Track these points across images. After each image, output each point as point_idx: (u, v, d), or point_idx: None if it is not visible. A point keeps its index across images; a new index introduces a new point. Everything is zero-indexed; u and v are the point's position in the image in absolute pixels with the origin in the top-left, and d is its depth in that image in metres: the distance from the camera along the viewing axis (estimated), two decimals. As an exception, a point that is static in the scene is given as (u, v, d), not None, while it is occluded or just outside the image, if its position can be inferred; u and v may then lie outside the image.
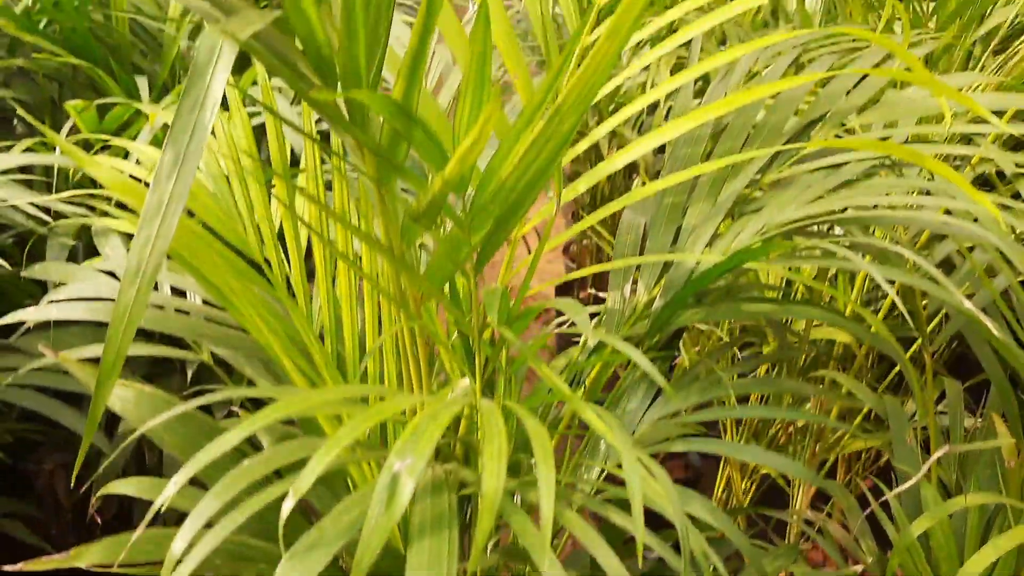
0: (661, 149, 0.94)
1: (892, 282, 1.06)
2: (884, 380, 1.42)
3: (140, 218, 0.56)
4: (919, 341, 1.30)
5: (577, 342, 0.93)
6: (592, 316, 1.25)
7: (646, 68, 1.61)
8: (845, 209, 0.78)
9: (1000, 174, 1.27)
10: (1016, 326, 1.04)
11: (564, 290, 2.67)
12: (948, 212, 1.03)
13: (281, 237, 1.00)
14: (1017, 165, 0.96)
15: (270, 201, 0.96)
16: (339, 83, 0.68)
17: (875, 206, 0.78)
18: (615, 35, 0.62)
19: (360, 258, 0.96)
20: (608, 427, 0.59)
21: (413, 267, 0.75)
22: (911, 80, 0.86)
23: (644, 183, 1.76)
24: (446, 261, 0.76)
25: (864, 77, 0.96)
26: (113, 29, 1.54)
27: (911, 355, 1.36)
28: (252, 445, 0.90)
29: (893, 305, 1.31)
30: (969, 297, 1.12)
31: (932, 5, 1.51)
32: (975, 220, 0.83)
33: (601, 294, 1.10)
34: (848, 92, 0.95)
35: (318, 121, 1.35)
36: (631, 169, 2.07)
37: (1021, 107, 0.91)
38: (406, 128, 0.64)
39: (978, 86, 1.08)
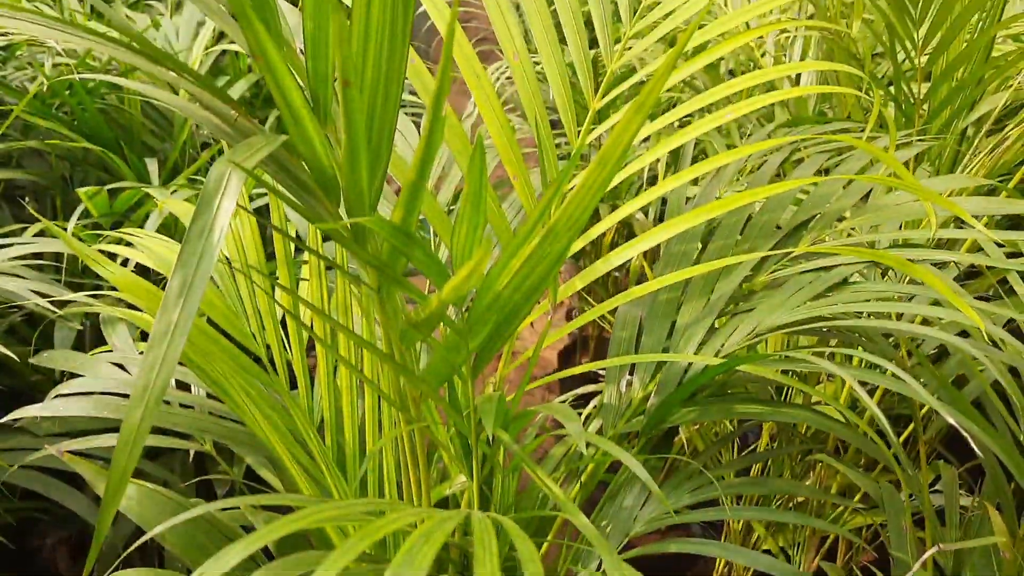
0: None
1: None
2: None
3: (148, 341, 0.58)
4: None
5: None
6: (590, 396, 1.27)
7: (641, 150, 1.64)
8: (832, 317, 0.80)
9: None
10: (1009, 419, 1.05)
11: (566, 355, 2.69)
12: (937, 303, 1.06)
13: (285, 325, 1.02)
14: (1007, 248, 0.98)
15: (274, 295, 0.98)
16: (341, 198, 0.71)
17: (861, 313, 0.80)
18: (605, 162, 0.65)
19: (361, 359, 0.98)
20: (596, 536, 0.60)
21: (411, 370, 0.77)
22: (897, 186, 0.89)
23: (641, 265, 1.79)
24: (443, 365, 0.78)
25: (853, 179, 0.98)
26: (125, 111, 1.58)
27: (911, 431, 1.37)
28: (244, 528, 0.92)
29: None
30: (961, 385, 1.14)
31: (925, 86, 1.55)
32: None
33: (600, 372, 1.11)
34: (842, 187, 0.97)
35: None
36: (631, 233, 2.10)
37: (1005, 211, 0.93)
38: (406, 247, 0.66)
39: (962, 192, 1.11)
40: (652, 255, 1.98)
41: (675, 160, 1.86)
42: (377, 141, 0.67)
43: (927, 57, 1.45)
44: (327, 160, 0.67)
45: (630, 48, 1.00)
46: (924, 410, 1.30)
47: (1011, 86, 1.54)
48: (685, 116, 0.97)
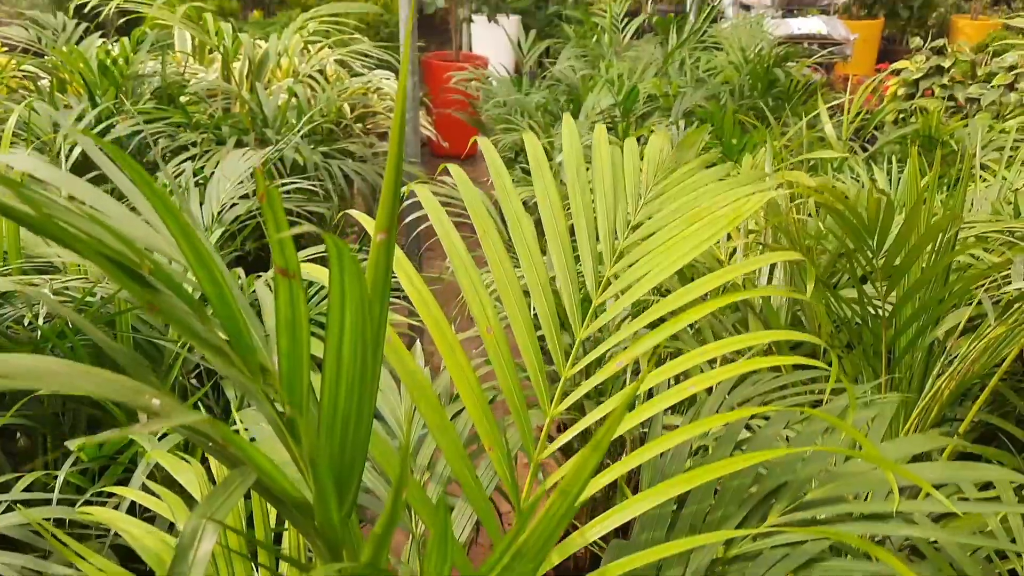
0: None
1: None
2: None
3: None
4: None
5: None
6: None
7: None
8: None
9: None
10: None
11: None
12: None
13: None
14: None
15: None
16: (315, 521, 0.73)
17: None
18: (567, 493, 0.68)
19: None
20: None
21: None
22: (859, 456, 0.92)
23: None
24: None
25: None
26: (117, 349, 1.61)
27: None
28: None
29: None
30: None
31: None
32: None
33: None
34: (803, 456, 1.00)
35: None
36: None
37: (968, 479, 0.96)
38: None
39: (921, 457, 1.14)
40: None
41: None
42: (348, 474, 0.70)
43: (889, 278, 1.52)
44: (299, 494, 0.70)
45: (596, 320, 1.05)
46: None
47: (971, 302, 1.60)
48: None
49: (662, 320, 0.98)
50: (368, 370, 0.68)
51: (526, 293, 1.08)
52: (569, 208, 1.12)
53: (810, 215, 1.98)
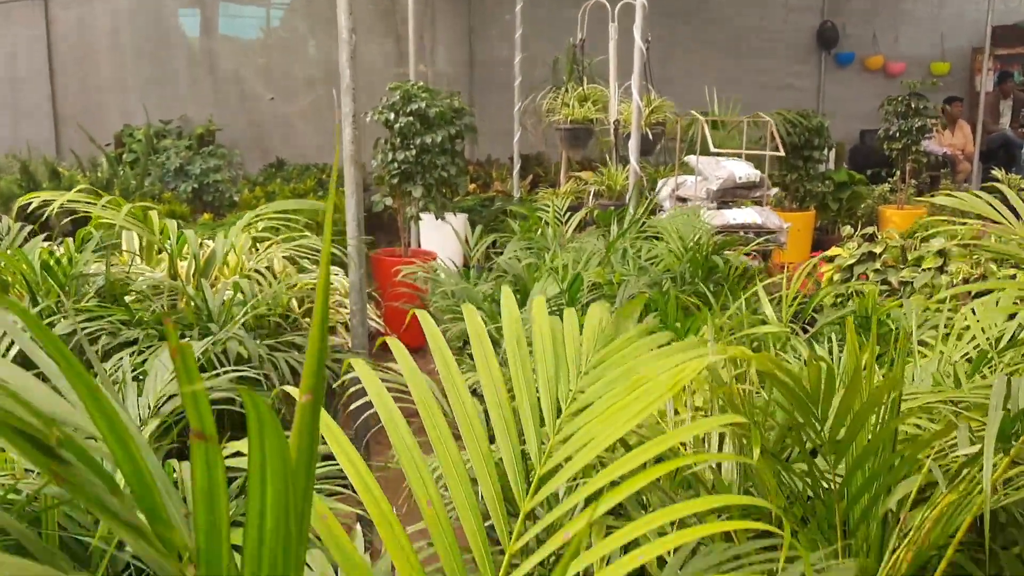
0: None
1: None
2: None
3: None
4: None
5: None
6: None
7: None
8: None
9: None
10: None
11: None
12: None
13: None
14: None
15: None
16: None
17: None
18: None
19: None
20: None
21: None
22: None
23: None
24: None
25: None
26: (34, 542, 1.53)
27: None
28: None
29: None
30: None
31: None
32: None
33: None
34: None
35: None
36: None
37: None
38: None
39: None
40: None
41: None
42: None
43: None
44: None
45: (539, 493, 1.02)
46: None
47: (921, 469, 1.58)
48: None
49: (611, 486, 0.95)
50: (292, 543, 0.64)
51: (473, 481, 1.05)
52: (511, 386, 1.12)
53: (757, 392, 1.99)
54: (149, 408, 1.91)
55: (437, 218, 5.95)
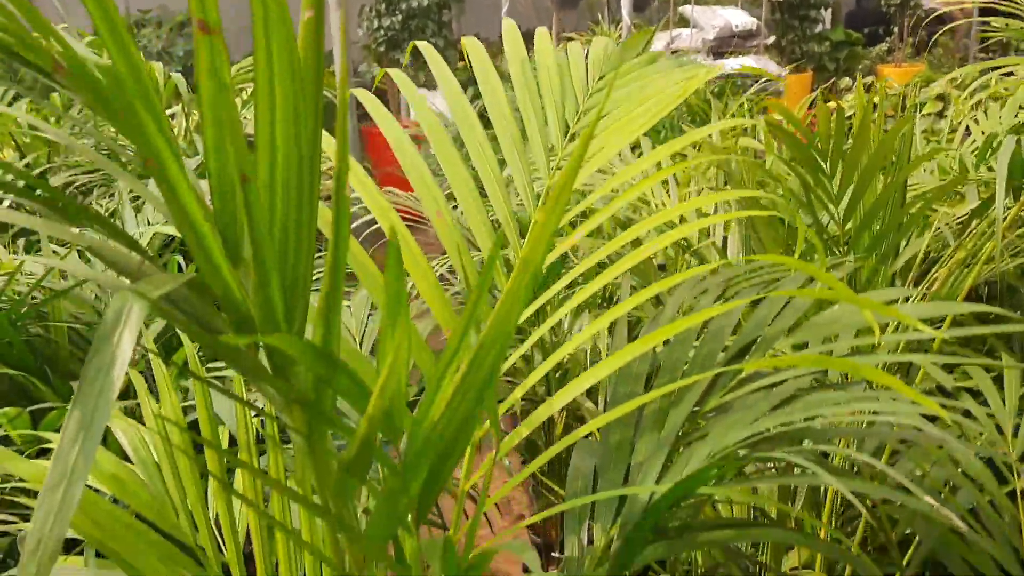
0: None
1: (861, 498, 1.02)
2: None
3: (42, 490, 0.52)
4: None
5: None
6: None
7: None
8: (791, 423, 0.77)
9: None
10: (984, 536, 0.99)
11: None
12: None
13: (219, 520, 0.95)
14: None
15: (204, 481, 0.91)
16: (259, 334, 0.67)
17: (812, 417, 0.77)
18: (528, 265, 0.63)
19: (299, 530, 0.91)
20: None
21: (351, 527, 0.71)
22: (835, 298, 0.88)
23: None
24: (386, 517, 0.72)
25: (790, 300, 0.98)
26: (51, 340, 1.54)
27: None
28: None
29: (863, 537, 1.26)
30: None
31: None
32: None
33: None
34: (775, 316, 0.96)
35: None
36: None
37: (947, 313, 0.92)
38: (329, 374, 0.62)
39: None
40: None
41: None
42: (294, 261, 0.64)
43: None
44: (239, 294, 0.64)
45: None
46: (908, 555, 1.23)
47: (933, 228, 1.59)
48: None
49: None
50: (306, 146, 0.62)
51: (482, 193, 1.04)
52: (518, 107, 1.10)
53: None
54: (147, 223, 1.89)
55: (429, 89, 5.86)
